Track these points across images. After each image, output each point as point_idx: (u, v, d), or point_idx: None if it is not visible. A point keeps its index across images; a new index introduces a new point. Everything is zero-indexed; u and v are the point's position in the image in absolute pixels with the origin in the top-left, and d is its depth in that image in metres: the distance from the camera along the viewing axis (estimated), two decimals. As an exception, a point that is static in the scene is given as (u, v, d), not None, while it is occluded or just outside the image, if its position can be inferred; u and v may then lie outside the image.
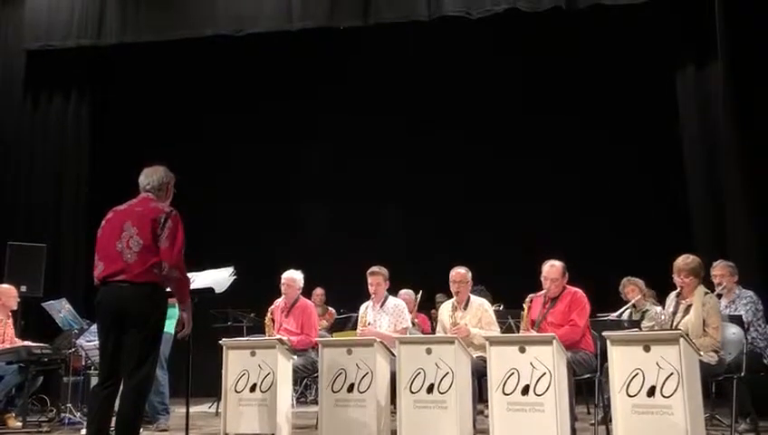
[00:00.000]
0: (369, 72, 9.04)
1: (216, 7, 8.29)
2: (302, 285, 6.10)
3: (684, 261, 4.90)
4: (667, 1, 7.32)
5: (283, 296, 6.01)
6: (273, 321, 5.96)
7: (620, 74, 8.37)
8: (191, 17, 8.34)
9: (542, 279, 5.22)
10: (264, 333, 6.11)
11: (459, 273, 5.61)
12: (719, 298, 5.39)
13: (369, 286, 5.84)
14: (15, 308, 6.56)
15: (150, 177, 4.17)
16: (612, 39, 8.21)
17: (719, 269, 5.54)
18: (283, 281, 6.01)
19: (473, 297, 5.69)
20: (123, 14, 8.49)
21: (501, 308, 7.02)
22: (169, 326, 5.77)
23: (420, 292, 6.77)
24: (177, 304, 5.74)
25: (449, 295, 5.80)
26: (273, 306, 6.05)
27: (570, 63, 8.65)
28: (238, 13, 8.23)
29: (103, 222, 4.08)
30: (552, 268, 5.21)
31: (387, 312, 5.82)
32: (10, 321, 6.46)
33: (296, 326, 5.92)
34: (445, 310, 5.73)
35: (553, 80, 8.70)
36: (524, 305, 5.22)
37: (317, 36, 8.27)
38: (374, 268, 5.85)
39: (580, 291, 5.20)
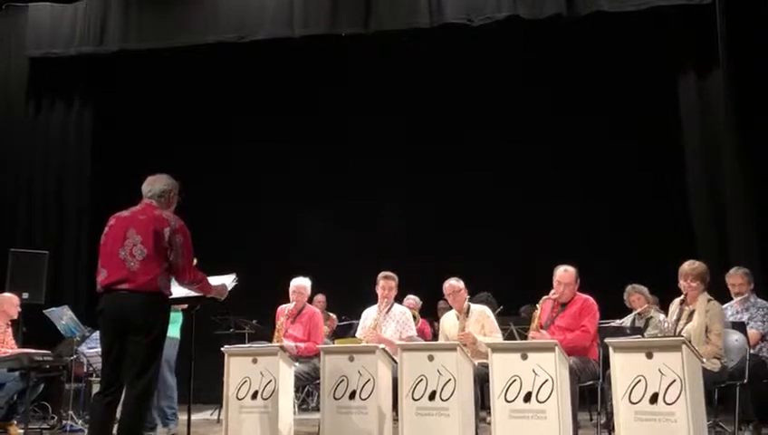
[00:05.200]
0: (370, 76, 9.05)
1: (218, 15, 8.32)
2: (309, 292, 6.12)
3: (690, 266, 4.89)
4: (667, 8, 7.32)
5: (293, 303, 6.00)
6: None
7: (621, 80, 8.37)
8: (193, 24, 8.37)
9: (555, 283, 5.23)
10: (267, 339, 6.11)
11: (450, 284, 5.68)
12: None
13: (381, 289, 5.80)
14: (16, 317, 6.56)
15: (153, 185, 4.17)
16: (613, 46, 8.22)
17: (739, 277, 5.48)
18: (293, 289, 6.01)
19: (473, 305, 5.70)
20: (125, 21, 8.52)
21: (501, 308, 7.05)
22: (174, 331, 5.84)
23: (421, 303, 6.79)
24: (180, 310, 5.81)
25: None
26: (279, 310, 6.06)
27: (570, 69, 8.65)
28: (241, 20, 8.26)
29: (106, 229, 4.07)
30: (565, 273, 5.22)
31: (393, 318, 5.80)
32: (9, 329, 6.45)
33: (302, 333, 5.92)
34: (447, 320, 5.74)
35: (554, 85, 8.70)
36: (537, 306, 5.23)
37: (319, 41, 8.28)
38: (388, 273, 5.84)
39: (591, 298, 5.22)
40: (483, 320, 5.57)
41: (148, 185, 4.18)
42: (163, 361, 5.69)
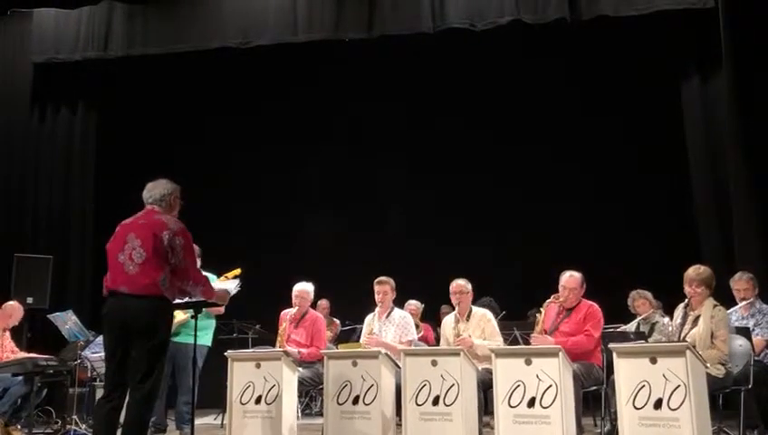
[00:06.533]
0: (372, 79, 9.04)
1: (222, 20, 8.33)
2: (312, 297, 6.12)
3: (695, 271, 4.88)
4: (670, 12, 7.32)
5: (296, 308, 6.00)
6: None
7: (624, 83, 8.36)
8: (197, 30, 8.38)
9: (561, 288, 5.24)
10: (271, 344, 6.11)
11: (458, 284, 5.64)
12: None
13: (376, 295, 5.83)
14: (11, 326, 6.57)
15: (152, 190, 4.20)
16: (616, 49, 8.21)
17: (744, 283, 5.44)
18: (295, 293, 6.01)
19: (475, 308, 5.70)
20: (129, 27, 8.53)
21: (504, 313, 7.03)
22: (206, 339, 5.90)
23: (423, 305, 6.77)
24: (211, 315, 5.87)
25: (453, 307, 5.80)
26: (282, 315, 6.06)
27: (573, 73, 8.65)
28: (244, 25, 8.26)
29: (112, 236, 4.12)
30: (571, 278, 5.23)
31: (392, 323, 5.81)
32: (7, 334, 6.47)
33: (305, 338, 5.93)
34: (448, 323, 5.73)
35: (557, 88, 8.69)
36: (541, 309, 5.22)
37: (322, 45, 8.29)
38: (382, 278, 5.85)
39: (595, 305, 5.22)
40: (483, 324, 5.56)
41: (148, 191, 4.21)
42: (189, 369, 5.73)
